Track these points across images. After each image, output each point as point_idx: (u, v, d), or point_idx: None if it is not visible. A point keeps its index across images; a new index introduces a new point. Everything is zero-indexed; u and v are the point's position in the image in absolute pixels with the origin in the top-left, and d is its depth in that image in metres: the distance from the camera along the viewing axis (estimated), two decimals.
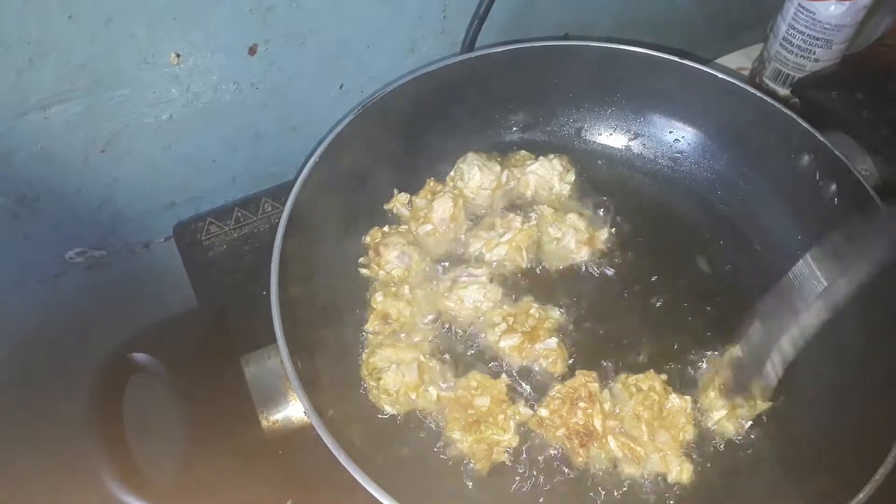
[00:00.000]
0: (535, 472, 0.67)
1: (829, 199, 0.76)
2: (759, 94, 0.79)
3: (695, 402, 0.70)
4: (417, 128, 0.82)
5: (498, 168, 0.84)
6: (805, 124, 0.76)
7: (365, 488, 0.55)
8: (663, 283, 0.79)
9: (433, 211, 0.80)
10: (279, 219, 0.69)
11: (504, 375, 0.71)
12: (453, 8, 0.88)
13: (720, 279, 0.80)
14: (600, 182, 0.86)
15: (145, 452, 0.57)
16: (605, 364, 0.73)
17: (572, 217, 0.81)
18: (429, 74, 0.79)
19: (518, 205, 0.84)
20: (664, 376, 0.71)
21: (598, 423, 0.68)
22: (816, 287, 0.61)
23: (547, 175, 0.84)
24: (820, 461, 0.66)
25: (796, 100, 0.92)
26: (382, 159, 0.82)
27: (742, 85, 0.80)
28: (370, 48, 0.86)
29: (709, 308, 0.77)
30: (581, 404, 0.68)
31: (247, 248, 0.86)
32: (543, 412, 0.69)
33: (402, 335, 0.73)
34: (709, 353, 0.74)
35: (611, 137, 0.90)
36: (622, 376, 0.71)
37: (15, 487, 0.78)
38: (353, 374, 0.72)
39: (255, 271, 0.81)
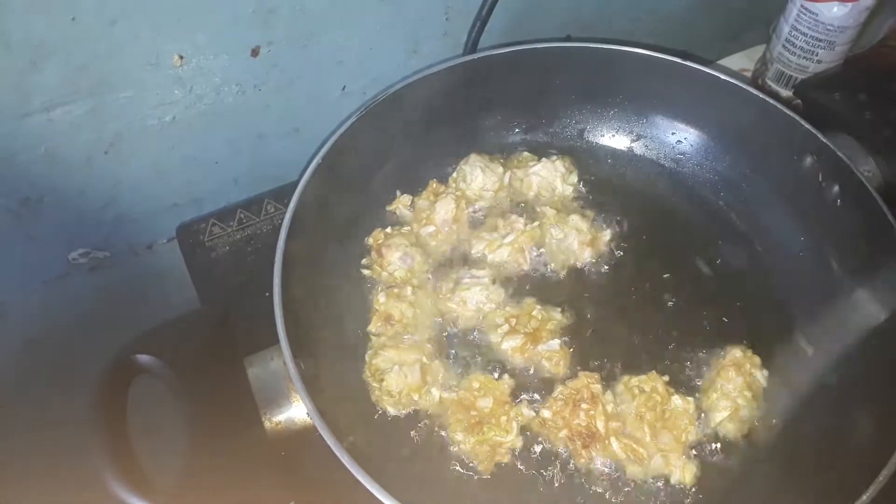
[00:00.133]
0: (537, 474, 0.67)
1: (831, 201, 0.76)
2: (761, 95, 0.79)
3: (697, 403, 0.70)
4: (420, 129, 0.82)
5: (500, 169, 0.84)
6: (807, 126, 0.76)
7: (367, 489, 0.55)
8: (665, 285, 0.79)
9: (436, 212, 0.80)
10: (282, 220, 0.69)
11: (507, 377, 0.71)
12: (455, 10, 0.88)
13: (722, 280, 0.80)
14: (603, 183, 0.86)
15: (149, 453, 0.57)
16: (607, 365, 0.73)
17: (575, 218, 0.81)
18: (431, 76, 0.79)
19: (521, 206, 0.84)
20: (666, 377, 0.71)
21: (600, 425, 0.68)
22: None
23: (549, 176, 0.84)
24: (821, 462, 0.66)
25: (799, 101, 0.92)
26: (385, 161, 0.82)
27: (744, 86, 0.80)
28: (372, 50, 0.86)
29: (710, 309, 0.77)
30: (584, 406, 0.68)
31: (249, 249, 0.86)
32: (546, 413, 0.69)
33: (405, 336, 0.73)
34: (710, 354, 0.74)
35: (613, 139, 0.90)
36: (624, 378, 0.71)
37: (19, 487, 0.78)
38: (356, 375, 0.72)
39: (257, 272, 0.80)
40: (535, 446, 0.68)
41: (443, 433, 0.69)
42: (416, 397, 0.69)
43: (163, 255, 0.92)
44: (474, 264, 0.79)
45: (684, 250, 0.82)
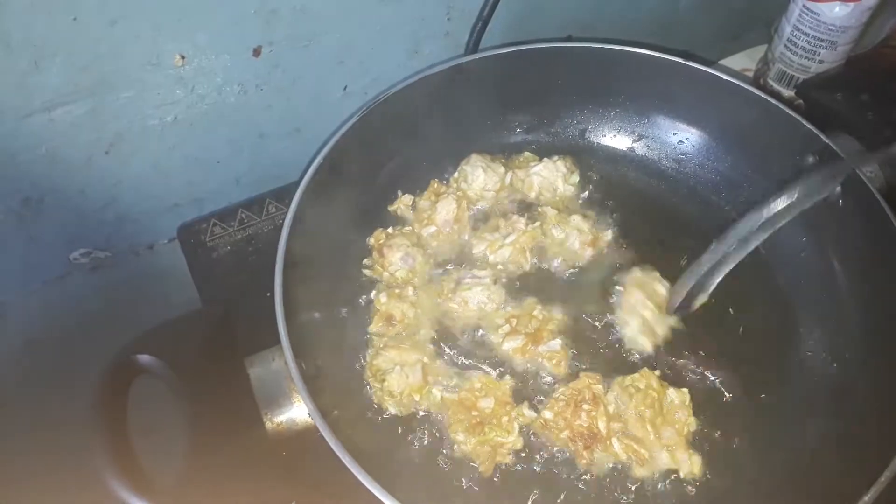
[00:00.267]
0: (538, 475, 0.67)
1: (833, 201, 0.75)
2: (763, 95, 0.79)
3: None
4: (421, 129, 0.82)
5: (502, 169, 0.84)
6: (809, 126, 0.76)
7: (368, 489, 0.55)
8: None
9: (437, 212, 0.80)
10: (283, 220, 0.69)
11: (508, 377, 0.71)
12: (457, 10, 0.88)
13: (722, 281, 0.79)
14: (604, 183, 0.86)
15: (149, 453, 0.57)
16: (608, 365, 0.72)
17: (576, 218, 0.81)
18: (432, 76, 0.79)
19: (522, 206, 0.84)
20: (657, 372, 0.71)
21: (602, 426, 0.68)
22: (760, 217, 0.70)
23: (551, 176, 0.84)
24: (822, 462, 0.66)
25: (801, 101, 0.92)
26: (386, 161, 0.82)
27: (746, 86, 0.80)
28: (374, 50, 0.86)
29: (711, 310, 0.77)
30: (585, 406, 0.68)
31: (251, 249, 0.86)
32: (547, 414, 0.69)
33: (406, 336, 0.73)
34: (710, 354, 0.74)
35: (615, 139, 0.90)
36: (618, 378, 0.71)
37: (19, 487, 0.78)
38: (357, 375, 0.72)
39: (259, 272, 0.80)
40: (537, 447, 0.68)
41: (444, 434, 0.69)
42: (417, 398, 0.69)
43: (164, 255, 0.92)
44: (475, 264, 0.79)
45: (685, 250, 0.81)
